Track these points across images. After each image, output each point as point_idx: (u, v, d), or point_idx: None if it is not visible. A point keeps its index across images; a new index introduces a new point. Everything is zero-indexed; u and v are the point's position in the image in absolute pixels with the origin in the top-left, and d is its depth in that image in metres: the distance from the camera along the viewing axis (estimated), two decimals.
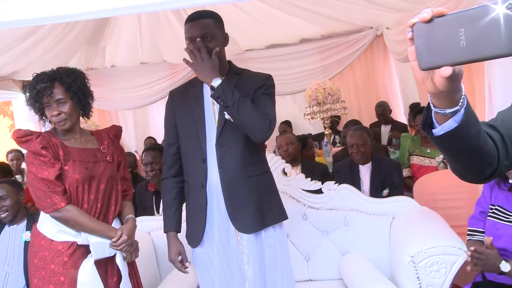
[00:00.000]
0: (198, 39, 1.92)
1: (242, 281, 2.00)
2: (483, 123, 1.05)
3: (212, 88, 1.86)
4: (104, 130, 2.28)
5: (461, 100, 0.88)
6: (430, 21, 0.79)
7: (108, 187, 2.11)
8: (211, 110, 2.03)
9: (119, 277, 2.11)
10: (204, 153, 2.00)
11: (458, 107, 0.88)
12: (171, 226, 2.09)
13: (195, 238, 2.05)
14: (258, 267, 1.99)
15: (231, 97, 1.83)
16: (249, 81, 2.03)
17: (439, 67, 0.80)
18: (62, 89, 2.03)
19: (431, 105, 0.92)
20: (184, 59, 1.94)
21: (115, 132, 2.29)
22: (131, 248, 2.10)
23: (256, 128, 1.88)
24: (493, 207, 2.17)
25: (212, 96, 1.88)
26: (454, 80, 0.82)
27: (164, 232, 2.11)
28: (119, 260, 2.09)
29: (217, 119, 2.00)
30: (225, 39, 2.04)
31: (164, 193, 2.15)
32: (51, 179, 1.97)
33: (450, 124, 0.90)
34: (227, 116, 1.93)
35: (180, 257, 2.08)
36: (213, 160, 1.99)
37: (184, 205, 2.21)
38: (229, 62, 2.12)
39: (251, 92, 1.98)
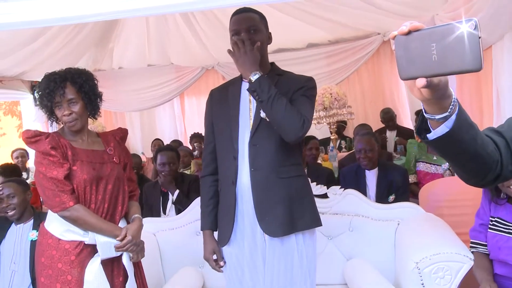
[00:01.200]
0: (242, 33, 1.92)
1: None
2: (489, 128, 1.07)
3: (250, 81, 1.85)
4: (110, 132, 2.30)
5: (451, 106, 0.91)
6: (408, 34, 0.84)
7: (115, 188, 2.13)
8: (247, 108, 2.00)
9: (125, 277, 2.11)
10: (236, 150, 1.98)
11: (447, 113, 0.91)
12: (207, 225, 2.09)
13: (223, 237, 2.04)
14: (277, 273, 1.95)
15: (267, 92, 1.82)
16: (290, 81, 2.00)
17: (415, 78, 0.84)
18: (74, 89, 2.05)
19: (423, 111, 0.95)
20: (228, 50, 1.94)
21: (121, 134, 2.30)
22: (137, 248, 2.11)
23: (288, 127, 1.85)
24: (493, 219, 2.16)
25: (248, 89, 1.88)
26: (434, 89, 0.86)
27: (201, 230, 2.12)
28: (125, 260, 2.10)
29: (252, 117, 1.98)
30: (268, 37, 2.05)
31: (202, 191, 2.15)
32: (60, 178, 1.98)
33: (442, 129, 0.93)
34: (262, 115, 1.91)
35: (215, 256, 2.07)
36: (245, 158, 1.97)
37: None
38: (272, 63, 2.11)
39: (290, 92, 1.95)
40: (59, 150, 2.01)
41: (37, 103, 2.12)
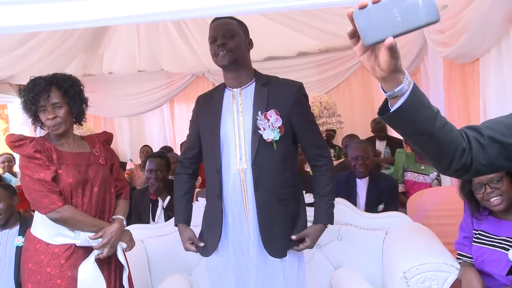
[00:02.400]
0: (219, 38, 1.94)
1: None
2: (467, 126, 1.13)
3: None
4: (95, 135, 2.30)
5: (405, 79, 1.01)
6: (366, 7, 0.96)
7: (102, 190, 2.12)
8: (231, 118, 1.99)
9: (119, 273, 2.15)
10: (218, 164, 1.98)
11: (401, 86, 1.00)
12: (182, 219, 2.12)
13: (210, 247, 2.04)
14: (266, 283, 1.99)
15: (331, 217, 2.08)
16: (281, 93, 1.99)
17: (382, 41, 0.96)
18: (59, 93, 2.05)
19: (383, 91, 1.04)
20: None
21: (106, 137, 2.30)
22: (112, 249, 2.09)
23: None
24: (477, 232, 2.17)
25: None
26: (394, 52, 0.97)
27: (175, 224, 2.14)
28: (119, 254, 2.12)
29: (238, 130, 1.97)
30: (249, 43, 2.04)
31: (176, 187, 2.16)
32: (47, 179, 1.98)
33: (397, 105, 1.02)
34: (265, 137, 1.91)
35: (193, 244, 2.09)
36: (231, 172, 1.97)
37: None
38: (254, 69, 2.09)
39: (286, 110, 1.95)
40: (44, 153, 2.01)
41: (21, 106, 2.10)
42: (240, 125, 1.96)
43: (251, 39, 2.06)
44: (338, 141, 6.34)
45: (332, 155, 5.83)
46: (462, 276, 2.14)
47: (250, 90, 2.01)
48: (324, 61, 6.25)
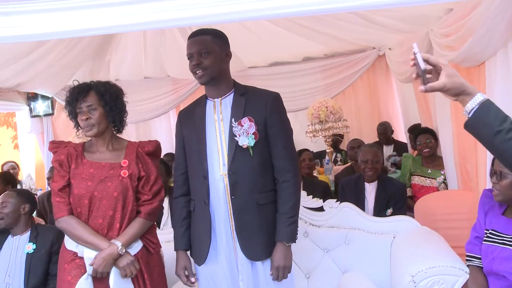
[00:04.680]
0: (195, 56, 1.99)
1: None
2: None
3: None
4: (138, 144, 2.27)
5: (471, 101, 1.29)
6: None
7: (112, 205, 2.11)
8: (213, 127, 2.06)
9: None
10: (205, 170, 2.03)
11: (468, 105, 1.30)
12: (182, 245, 2.14)
13: (200, 255, 2.08)
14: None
15: (292, 235, 2.05)
16: (257, 102, 2.05)
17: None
18: (96, 97, 2.13)
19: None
20: None
21: (149, 149, 2.26)
22: (102, 274, 2.06)
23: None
24: (488, 231, 2.18)
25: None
26: (438, 91, 1.30)
27: (175, 250, 2.15)
28: (111, 279, 2.07)
29: (220, 137, 2.04)
30: (226, 55, 2.07)
31: (175, 212, 2.19)
32: (55, 190, 2.09)
33: (466, 121, 1.32)
34: (241, 143, 1.97)
35: (186, 272, 2.11)
36: (216, 178, 2.02)
37: None
38: (233, 80, 2.15)
39: (262, 117, 2.02)
40: (65, 163, 2.11)
41: (66, 112, 2.20)
42: (222, 132, 2.05)
43: (228, 50, 2.10)
44: (345, 146, 6.33)
45: (339, 159, 5.83)
46: (471, 284, 2.15)
47: (229, 99, 2.09)
48: (330, 66, 6.24)
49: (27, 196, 2.91)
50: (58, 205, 2.08)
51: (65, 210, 2.07)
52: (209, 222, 2.03)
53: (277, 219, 2.05)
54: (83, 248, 2.07)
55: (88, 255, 2.06)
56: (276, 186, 2.08)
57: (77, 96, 2.12)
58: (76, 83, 2.19)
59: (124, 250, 2.07)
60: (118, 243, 2.06)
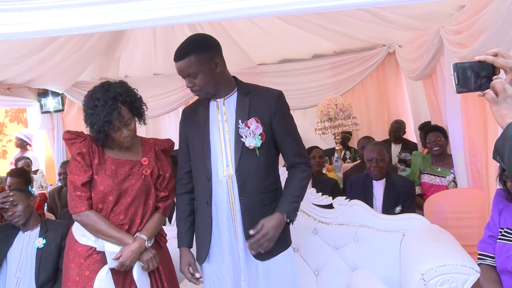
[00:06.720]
0: (186, 79, 2.00)
1: None
2: None
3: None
4: (154, 141, 2.30)
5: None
6: None
7: (135, 201, 2.14)
8: (217, 127, 2.06)
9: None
10: (209, 171, 2.03)
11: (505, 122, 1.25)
12: (185, 242, 2.14)
13: (201, 254, 2.09)
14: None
15: (293, 212, 2.03)
16: (262, 103, 2.05)
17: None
18: (127, 109, 2.10)
19: None
20: None
21: (165, 146, 2.30)
22: (126, 267, 2.09)
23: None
24: (502, 230, 2.17)
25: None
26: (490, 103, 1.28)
27: (178, 247, 2.15)
28: (135, 272, 2.11)
29: (224, 138, 2.03)
30: (216, 64, 2.00)
31: (179, 209, 2.19)
32: (76, 184, 2.07)
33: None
34: (247, 144, 1.97)
35: (191, 269, 2.10)
36: (220, 179, 2.02)
37: None
38: (235, 78, 2.14)
39: (267, 118, 2.01)
40: (87, 157, 2.09)
41: (92, 129, 2.07)
42: (226, 133, 2.03)
43: (218, 57, 2.03)
44: (354, 143, 6.31)
45: (348, 157, 5.81)
46: (483, 282, 2.14)
47: (232, 99, 2.08)
48: (339, 63, 6.23)
49: (26, 190, 3.00)
50: (78, 199, 2.06)
51: (86, 205, 2.07)
52: (210, 223, 2.04)
53: (283, 192, 2.08)
54: (104, 242, 2.08)
55: (111, 249, 2.07)
56: (290, 171, 2.13)
57: (111, 118, 2.03)
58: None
59: (149, 244, 2.13)
60: (144, 237, 2.12)
